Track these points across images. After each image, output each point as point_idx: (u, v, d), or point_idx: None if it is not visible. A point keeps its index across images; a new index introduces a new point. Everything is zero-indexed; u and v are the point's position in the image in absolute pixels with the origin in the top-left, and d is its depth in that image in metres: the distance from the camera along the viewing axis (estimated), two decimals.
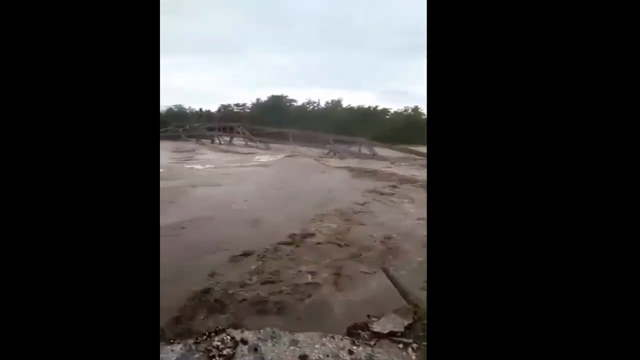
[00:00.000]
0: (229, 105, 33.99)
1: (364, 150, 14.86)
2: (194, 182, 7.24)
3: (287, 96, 34.90)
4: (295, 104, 35.12)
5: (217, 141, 19.80)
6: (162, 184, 6.23)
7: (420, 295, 2.61)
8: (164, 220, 4.08)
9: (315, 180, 8.43)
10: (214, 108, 36.81)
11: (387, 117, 36.32)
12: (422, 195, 6.44)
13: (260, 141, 18.33)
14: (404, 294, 2.71)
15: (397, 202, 6.16)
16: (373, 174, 9.17)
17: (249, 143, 18.60)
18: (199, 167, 10.55)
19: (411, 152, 14.25)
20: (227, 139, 19.60)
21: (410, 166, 11.58)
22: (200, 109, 32.75)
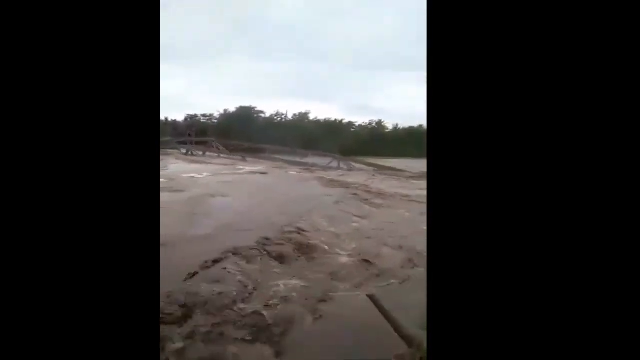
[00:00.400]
0: (195, 115, 33.53)
1: (342, 164, 15.77)
2: (208, 192, 6.74)
3: (255, 107, 35.09)
4: (263, 115, 35.36)
5: (190, 153, 19.79)
6: (181, 195, 6.28)
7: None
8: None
9: (310, 187, 8.55)
10: (180, 117, 35.85)
11: (353, 130, 37.52)
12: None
13: (236, 155, 18.63)
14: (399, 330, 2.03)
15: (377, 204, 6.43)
16: (353, 183, 9.57)
17: (222, 156, 18.83)
18: (198, 175, 10.42)
19: (378, 166, 15.51)
20: (201, 152, 19.64)
21: (388, 177, 12.30)
22: (166, 118, 31.96)
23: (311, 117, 38.86)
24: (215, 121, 36.26)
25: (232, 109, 34.47)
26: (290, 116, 36.83)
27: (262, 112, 35.77)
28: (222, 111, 33.94)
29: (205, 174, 10.44)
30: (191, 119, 36.20)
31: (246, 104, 35.79)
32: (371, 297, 2.50)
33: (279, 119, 36.33)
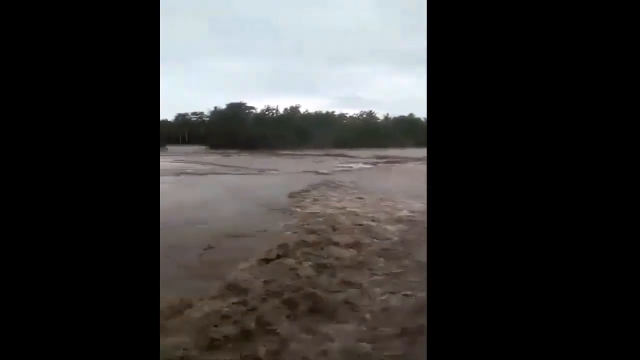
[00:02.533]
0: (186, 114, 32.99)
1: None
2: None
3: (245, 103, 34.69)
4: (254, 111, 35.00)
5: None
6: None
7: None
8: None
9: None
10: (170, 117, 35.30)
11: (345, 121, 37.47)
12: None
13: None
14: None
15: None
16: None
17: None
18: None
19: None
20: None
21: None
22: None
23: (302, 110, 38.56)
24: (207, 119, 35.74)
25: (222, 106, 34.00)
26: (281, 111, 36.52)
27: (252, 108, 35.45)
28: (212, 109, 33.46)
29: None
30: (182, 118, 35.59)
31: (235, 100, 35.31)
32: None
33: (270, 114, 36.01)
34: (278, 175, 13.12)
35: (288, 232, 4.66)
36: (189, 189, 9.40)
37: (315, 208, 6.45)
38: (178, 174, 12.93)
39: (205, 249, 3.94)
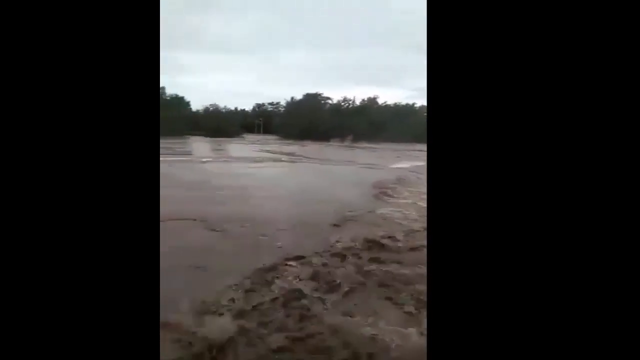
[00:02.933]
0: (263, 104, 33.56)
1: None
2: None
3: (321, 94, 34.17)
4: (330, 102, 34.37)
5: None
6: None
7: None
8: None
9: None
10: (248, 106, 36.41)
11: (425, 114, 35.29)
12: None
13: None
14: None
15: None
16: None
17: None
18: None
19: None
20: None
21: None
22: (236, 108, 32.38)
23: (380, 101, 37.15)
24: (282, 109, 36.15)
25: (298, 96, 33.89)
26: (357, 102, 35.43)
27: (328, 98, 34.86)
28: (288, 99, 33.52)
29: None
30: (259, 108, 36.38)
31: (312, 91, 35.03)
32: None
33: (346, 105, 35.10)
34: (373, 167, 13.18)
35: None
36: (300, 175, 10.57)
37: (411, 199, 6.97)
38: (275, 161, 14.24)
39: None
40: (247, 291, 2.65)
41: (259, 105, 35.00)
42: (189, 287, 2.66)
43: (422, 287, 2.64)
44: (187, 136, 28.79)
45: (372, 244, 3.93)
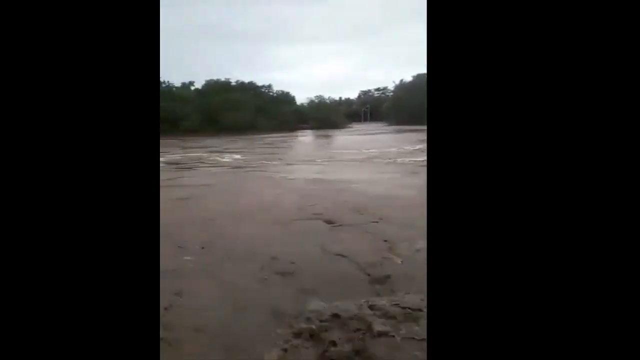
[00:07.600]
0: (368, 91, 31.82)
1: None
2: None
3: None
4: None
5: None
6: None
7: None
8: None
9: None
10: (353, 95, 35.02)
11: None
12: None
13: None
14: None
15: None
16: None
17: None
18: None
19: None
20: None
21: None
22: (340, 98, 31.22)
23: None
24: (390, 94, 33.84)
25: (407, 78, 31.14)
26: None
27: None
28: (397, 82, 31.07)
29: None
30: (364, 95, 34.68)
31: (423, 71, 31.89)
32: None
33: None
34: None
35: None
36: None
37: None
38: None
39: None
40: None
41: (364, 92, 33.29)
42: None
43: None
44: (297, 130, 28.77)
45: None
